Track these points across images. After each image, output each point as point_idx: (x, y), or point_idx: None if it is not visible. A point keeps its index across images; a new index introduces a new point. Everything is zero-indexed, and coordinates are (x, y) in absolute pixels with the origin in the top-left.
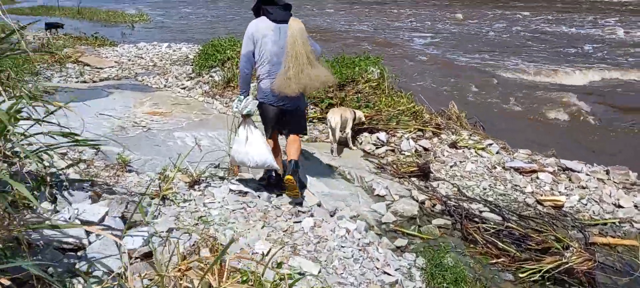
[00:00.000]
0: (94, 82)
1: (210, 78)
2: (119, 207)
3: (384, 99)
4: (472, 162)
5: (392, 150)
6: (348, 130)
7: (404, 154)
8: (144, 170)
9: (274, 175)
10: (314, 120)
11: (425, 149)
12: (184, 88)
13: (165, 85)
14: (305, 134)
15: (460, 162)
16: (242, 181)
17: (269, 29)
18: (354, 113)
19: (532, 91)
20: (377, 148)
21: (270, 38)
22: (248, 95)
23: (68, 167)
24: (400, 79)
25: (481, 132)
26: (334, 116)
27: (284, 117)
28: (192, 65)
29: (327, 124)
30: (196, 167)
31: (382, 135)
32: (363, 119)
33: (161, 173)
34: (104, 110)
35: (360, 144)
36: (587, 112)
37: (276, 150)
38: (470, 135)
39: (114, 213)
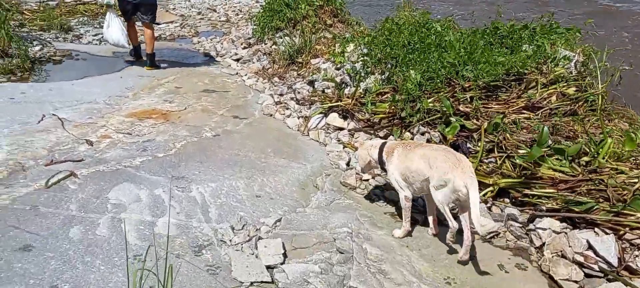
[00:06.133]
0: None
1: (273, 46)
2: None
3: (608, 138)
4: None
5: None
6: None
7: None
8: None
9: (133, 52)
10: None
11: None
12: (237, 59)
13: (217, 54)
14: (154, 21)
15: None
16: None
17: None
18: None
19: None
20: (586, 279)
21: None
22: None
23: None
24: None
25: None
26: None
27: (136, 8)
28: (253, 25)
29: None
30: None
31: (607, 243)
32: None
33: None
34: (73, 101)
35: (542, 256)
36: None
37: (133, 31)
38: None
39: None
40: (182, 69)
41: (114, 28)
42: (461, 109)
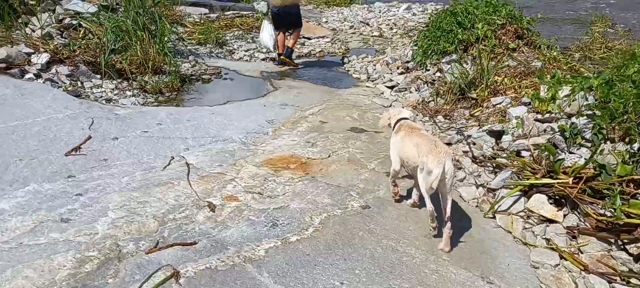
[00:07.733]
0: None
1: (437, 74)
2: None
3: None
4: None
5: None
6: None
7: None
8: None
9: (277, 55)
10: None
11: None
12: (391, 86)
13: (368, 77)
14: (299, 26)
15: None
16: None
17: None
18: None
19: None
20: None
21: None
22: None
23: None
24: None
25: None
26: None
27: (281, 18)
28: (413, 46)
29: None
30: None
31: None
32: None
33: None
34: (207, 138)
35: None
36: None
37: (281, 40)
38: None
39: None
40: (329, 95)
41: (265, 33)
42: None
